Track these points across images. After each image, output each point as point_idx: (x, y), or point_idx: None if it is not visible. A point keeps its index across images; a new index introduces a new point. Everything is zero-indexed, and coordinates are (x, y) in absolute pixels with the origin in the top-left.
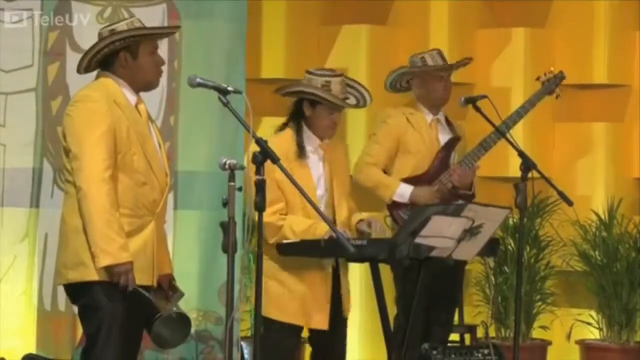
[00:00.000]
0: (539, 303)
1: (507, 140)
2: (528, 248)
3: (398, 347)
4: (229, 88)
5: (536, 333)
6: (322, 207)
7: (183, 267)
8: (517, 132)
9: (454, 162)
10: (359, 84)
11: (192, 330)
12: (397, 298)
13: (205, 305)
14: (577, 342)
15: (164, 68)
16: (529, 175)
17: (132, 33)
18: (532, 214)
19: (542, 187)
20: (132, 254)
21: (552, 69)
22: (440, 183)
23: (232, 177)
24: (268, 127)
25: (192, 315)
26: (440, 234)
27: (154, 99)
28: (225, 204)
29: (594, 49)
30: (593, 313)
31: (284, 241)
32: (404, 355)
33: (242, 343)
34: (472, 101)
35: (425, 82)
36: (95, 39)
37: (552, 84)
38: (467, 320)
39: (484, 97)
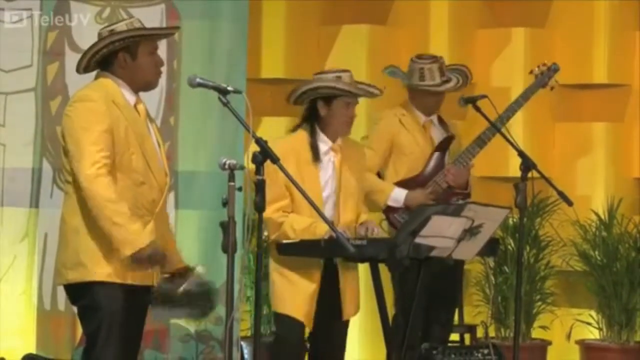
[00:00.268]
0: (539, 303)
1: (503, 135)
2: (528, 248)
3: (398, 348)
4: (229, 88)
5: (536, 333)
6: (329, 208)
7: None
8: (517, 132)
9: (449, 161)
10: (365, 83)
11: (192, 330)
12: (395, 299)
13: None
14: (577, 342)
15: (164, 68)
16: (529, 175)
17: (132, 33)
18: (532, 214)
19: (542, 187)
20: (151, 232)
21: (545, 62)
22: (435, 183)
23: (232, 177)
24: (268, 127)
25: None
26: (440, 233)
27: (153, 99)
28: (225, 204)
29: (594, 49)
30: (593, 313)
31: (284, 241)
32: (404, 355)
33: (242, 343)
34: (471, 101)
35: (418, 92)
36: (94, 39)
37: (545, 77)
38: (467, 320)
39: (484, 97)
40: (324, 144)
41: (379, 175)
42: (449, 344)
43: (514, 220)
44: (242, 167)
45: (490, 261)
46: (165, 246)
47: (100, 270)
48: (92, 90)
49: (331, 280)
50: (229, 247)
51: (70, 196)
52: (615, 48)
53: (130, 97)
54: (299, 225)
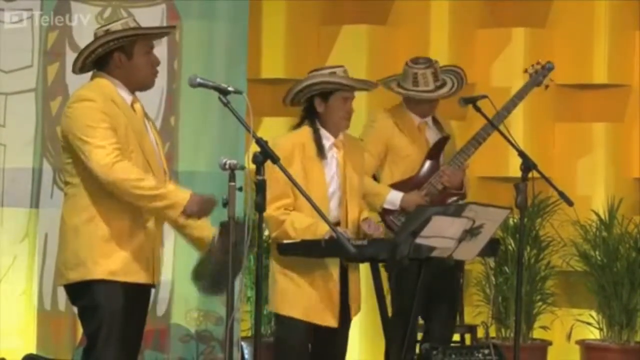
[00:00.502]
0: (539, 303)
1: (503, 135)
2: (528, 248)
3: (398, 348)
4: (229, 88)
5: (536, 333)
6: (334, 205)
7: (183, 267)
8: (517, 132)
9: (443, 162)
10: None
11: (192, 330)
12: (391, 300)
13: (206, 305)
14: (577, 342)
15: (165, 68)
16: (529, 175)
17: (126, 33)
18: (533, 214)
19: (542, 187)
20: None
21: (540, 60)
22: (430, 185)
23: (232, 177)
24: (268, 127)
25: (192, 316)
26: (441, 234)
27: (154, 99)
28: (225, 204)
29: (594, 49)
30: (593, 313)
31: (285, 241)
32: (404, 355)
33: (243, 343)
34: (472, 101)
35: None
36: None
37: (539, 75)
38: (468, 320)
39: (484, 97)
40: (327, 140)
41: (375, 177)
42: (451, 344)
43: (515, 220)
44: (242, 167)
45: (491, 261)
46: (183, 227)
47: (101, 269)
48: (90, 90)
49: (343, 280)
50: (229, 247)
51: (70, 196)
52: (615, 48)
53: (127, 97)
54: (301, 224)
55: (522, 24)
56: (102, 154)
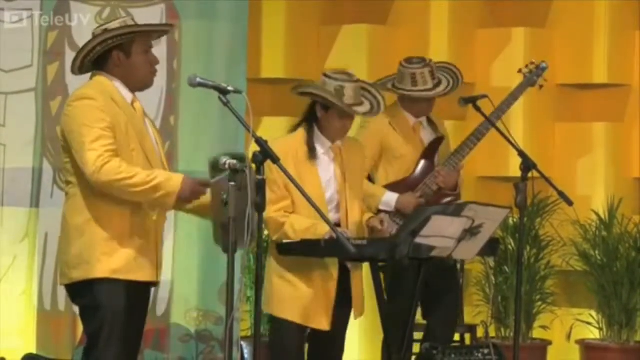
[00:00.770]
0: (539, 303)
1: (502, 134)
2: (528, 248)
3: (398, 349)
4: (229, 88)
5: (536, 333)
6: (332, 209)
7: (183, 266)
8: (517, 132)
9: (438, 163)
10: (376, 89)
11: (192, 330)
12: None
13: (206, 305)
14: (577, 342)
15: (164, 68)
16: (529, 175)
17: (124, 31)
18: (532, 214)
19: (542, 187)
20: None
21: (534, 60)
22: (425, 186)
23: (232, 177)
24: (268, 127)
25: (192, 315)
26: (441, 233)
27: (153, 99)
28: (225, 204)
29: (594, 49)
30: (593, 313)
31: (284, 241)
32: (404, 355)
33: (242, 343)
34: (472, 101)
35: (411, 97)
36: None
37: (534, 75)
38: (467, 320)
39: (485, 96)
40: (323, 144)
41: (369, 178)
42: (452, 343)
43: (514, 220)
44: (242, 162)
45: (491, 261)
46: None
47: (103, 267)
48: (90, 89)
49: (343, 281)
50: (229, 247)
51: (72, 196)
52: (615, 48)
53: (127, 95)
54: (300, 225)
55: (522, 24)
56: (92, 158)
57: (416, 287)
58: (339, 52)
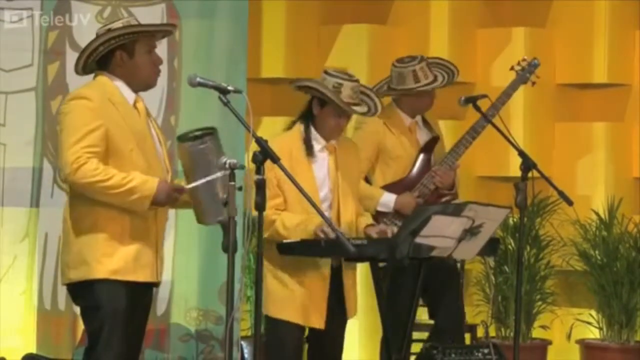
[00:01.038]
0: (539, 303)
1: (502, 134)
2: (528, 248)
3: (398, 348)
4: (229, 87)
5: (536, 333)
6: (325, 208)
7: (183, 266)
8: (517, 132)
9: (434, 162)
10: (374, 93)
11: (192, 329)
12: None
13: (206, 305)
14: (577, 341)
15: (164, 67)
16: (529, 174)
17: (127, 31)
18: (532, 214)
19: (542, 187)
20: (149, 177)
21: (525, 57)
22: (422, 186)
23: (232, 177)
24: (268, 127)
25: (192, 315)
26: (441, 233)
27: (154, 99)
28: (225, 203)
29: (594, 48)
30: (593, 312)
31: (284, 241)
32: (403, 355)
33: (242, 343)
34: (472, 101)
35: (412, 94)
36: None
37: (525, 73)
38: (468, 319)
39: (485, 96)
40: (318, 142)
41: (366, 179)
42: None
43: (514, 219)
44: (242, 167)
45: (491, 261)
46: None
47: (104, 268)
48: (88, 89)
49: (335, 280)
50: (229, 247)
51: (72, 196)
52: (615, 48)
53: (129, 96)
54: (291, 222)
55: (522, 23)
56: (70, 159)
57: (416, 287)
58: (339, 52)
